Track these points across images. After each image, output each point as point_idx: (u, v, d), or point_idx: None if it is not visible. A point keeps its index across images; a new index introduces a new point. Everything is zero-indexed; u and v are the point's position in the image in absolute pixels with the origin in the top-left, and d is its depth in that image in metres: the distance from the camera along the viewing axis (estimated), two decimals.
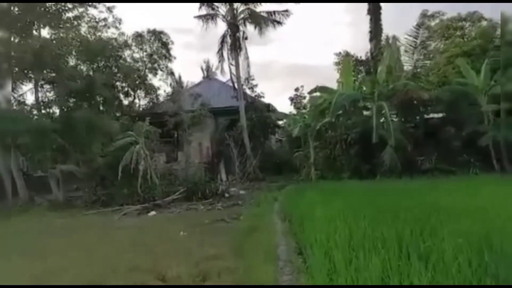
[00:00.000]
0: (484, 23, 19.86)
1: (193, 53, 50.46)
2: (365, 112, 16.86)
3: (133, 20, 46.19)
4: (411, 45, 17.09)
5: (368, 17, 22.79)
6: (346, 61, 18.22)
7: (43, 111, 18.23)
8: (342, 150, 16.20)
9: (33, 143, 16.21)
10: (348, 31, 52.25)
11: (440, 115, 16.24)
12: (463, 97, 14.71)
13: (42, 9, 17.84)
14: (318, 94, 19.37)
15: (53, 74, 18.42)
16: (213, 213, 12.59)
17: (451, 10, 20.93)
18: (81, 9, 22.35)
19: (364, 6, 19.90)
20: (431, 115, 16.40)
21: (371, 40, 23.07)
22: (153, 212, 13.34)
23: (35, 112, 18.40)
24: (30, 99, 18.95)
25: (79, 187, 17.79)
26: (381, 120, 15.38)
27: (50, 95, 18.55)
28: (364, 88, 17.73)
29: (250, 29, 21.15)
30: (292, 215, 8.33)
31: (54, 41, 18.30)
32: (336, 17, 48.11)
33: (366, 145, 15.42)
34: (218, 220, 10.73)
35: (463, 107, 14.62)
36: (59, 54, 18.51)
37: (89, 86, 18.10)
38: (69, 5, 18.45)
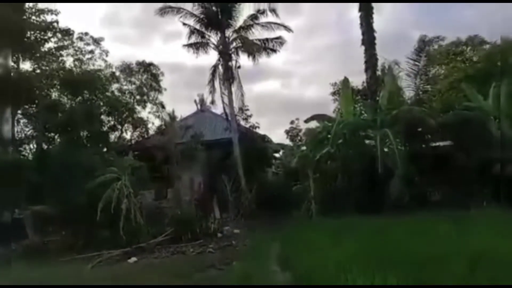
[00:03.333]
0: (486, 46, 19.35)
1: (188, 91, 49.85)
2: (367, 141, 15.69)
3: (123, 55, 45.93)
4: (413, 69, 16.22)
5: (363, 47, 22.46)
6: (346, 86, 17.19)
7: (20, 147, 16.99)
8: (344, 182, 14.88)
9: (4, 182, 14.76)
10: (341, 61, 52.11)
11: (448, 142, 15.12)
12: (472, 122, 13.62)
13: (21, 39, 16.92)
14: (315, 123, 18.34)
15: (32, 108, 17.32)
16: (203, 257, 11.15)
17: (450, 35, 20.54)
18: (66, 42, 21.80)
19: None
20: (438, 143, 15.27)
21: (366, 70, 22.43)
22: (134, 258, 11.77)
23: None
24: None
25: (55, 230, 16.17)
26: (385, 149, 14.19)
27: (27, 129, 17.41)
28: (365, 115, 16.68)
29: (243, 58, 20.37)
30: (295, 262, 6.94)
31: (34, 73, 17.32)
32: (328, 46, 47.90)
33: (370, 176, 14.12)
34: (207, 267, 9.26)
35: (472, 133, 13.49)
36: (39, 86, 17.52)
37: (70, 120, 16.89)
38: (50, 34, 17.51)
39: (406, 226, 9.26)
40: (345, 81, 17.26)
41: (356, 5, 19.95)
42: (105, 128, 22.74)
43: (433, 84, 16.07)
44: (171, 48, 41.93)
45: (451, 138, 14.65)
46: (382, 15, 22.15)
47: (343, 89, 17.65)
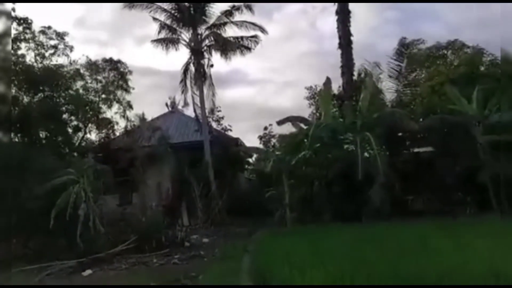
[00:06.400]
0: (467, 50, 19.14)
1: (160, 95, 48.38)
2: (345, 146, 14.97)
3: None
4: (395, 70, 15.70)
5: (339, 51, 21.99)
6: (327, 87, 16.44)
7: None
8: (321, 188, 14.09)
9: None
10: (314, 70, 52.12)
11: (429, 148, 14.61)
12: (456, 127, 13.13)
13: None
14: (288, 128, 17.52)
15: None
16: (167, 269, 10.04)
17: (429, 38, 20.32)
18: (28, 35, 20.20)
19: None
20: (421, 148, 14.73)
21: (342, 74, 21.96)
22: (89, 271, 10.46)
23: None
24: None
25: (4, 238, 14.57)
26: (365, 154, 13.50)
27: None
28: (341, 119, 16.01)
29: (217, 62, 19.46)
30: (270, 278, 5.98)
31: None
32: (300, 54, 47.80)
33: (349, 182, 13.39)
34: (170, 282, 8.16)
35: (456, 138, 12.99)
36: None
37: (24, 118, 15.37)
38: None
39: (389, 236, 8.50)
40: (327, 81, 16.51)
41: (329, 12, 19.42)
42: (68, 128, 21.20)
43: (414, 87, 15.62)
44: (143, 52, 40.83)
45: (434, 143, 14.13)
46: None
47: (323, 89, 16.90)
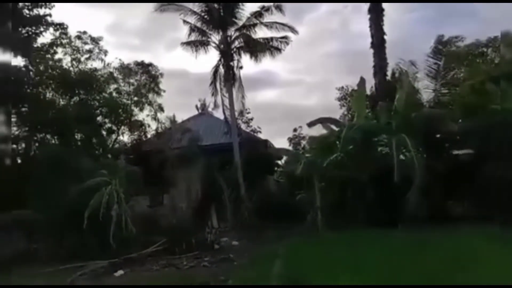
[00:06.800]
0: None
1: (191, 98, 48.83)
2: (379, 148, 14.42)
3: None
4: (433, 68, 15.01)
5: (371, 51, 21.39)
6: (361, 87, 15.92)
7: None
8: (354, 192, 13.61)
9: None
10: (344, 71, 51.17)
11: (470, 151, 13.84)
12: (499, 128, 12.30)
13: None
14: (319, 130, 17.06)
15: (23, 106, 16.21)
16: (197, 272, 9.92)
17: (468, 35, 19.40)
18: (64, 40, 20.81)
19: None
20: (461, 151, 13.97)
21: (375, 74, 21.36)
22: (120, 271, 10.54)
23: None
24: None
25: (42, 237, 14.95)
26: (401, 157, 12.92)
27: (16, 129, 16.26)
28: (374, 120, 15.43)
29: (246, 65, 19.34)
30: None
31: (24, 69, 16.22)
32: (330, 52, 46.96)
33: (384, 186, 12.85)
34: (200, 285, 8.03)
35: (499, 140, 12.18)
36: (30, 84, 16.45)
37: (60, 120, 15.74)
38: (41, 28, 16.44)
39: (435, 244, 7.94)
40: (361, 81, 15.98)
41: (361, 11, 18.94)
42: (102, 130, 21.67)
43: (453, 86, 14.89)
44: (174, 55, 41.30)
45: (476, 145, 13.34)
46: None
47: (357, 90, 16.39)
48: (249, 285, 3.11)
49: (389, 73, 21.46)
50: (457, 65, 15.31)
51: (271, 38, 18.92)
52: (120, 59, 22.43)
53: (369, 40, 21.17)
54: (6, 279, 10.31)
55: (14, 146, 16.21)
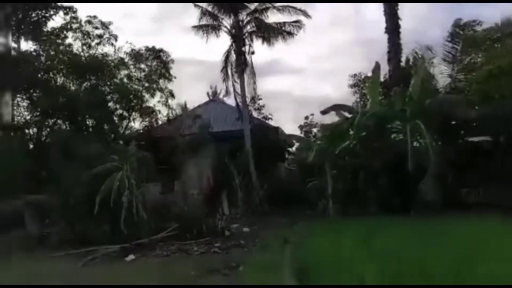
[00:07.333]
0: None
1: (202, 84, 48.59)
2: (393, 135, 14.13)
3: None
4: (450, 53, 14.57)
5: (384, 39, 20.90)
6: (376, 73, 15.53)
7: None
8: (367, 179, 13.39)
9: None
10: (357, 59, 50.27)
11: (487, 137, 13.48)
12: None
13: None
14: (331, 118, 16.78)
15: (35, 92, 16.21)
16: (207, 258, 9.87)
17: (487, 19, 18.73)
18: (74, 25, 20.69)
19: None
20: (477, 138, 13.62)
21: (389, 60, 20.90)
22: (131, 256, 10.53)
23: None
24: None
25: (54, 222, 15.08)
26: (415, 144, 12.64)
27: (28, 114, 16.32)
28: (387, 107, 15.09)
29: (256, 44, 18.96)
30: (315, 273, 5.57)
31: (34, 53, 16.19)
32: (343, 43, 46.07)
33: (397, 173, 12.62)
34: (210, 272, 7.95)
35: None
36: (41, 69, 16.42)
37: (71, 105, 15.71)
38: (51, 12, 16.31)
39: (451, 231, 7.71)
40: (376, 67, 15.60)
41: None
42: (114, 117, 21.65)
43: (470, 72, 14.44)
44: (184, 42, 40.70)
45: (492, 132, 12.98)
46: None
47: (372, 76, 16.03)
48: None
49: (403, 59, 21.02)
50: (474, 49, 14.78)
51: (284, 23, 18.57)
52: (131, 43, 22.15)
53: (383, 26, 20.74)
54: (20, 261, 10.41)
55: (26, 131, 16.30)
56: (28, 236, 13.84)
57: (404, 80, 16.84)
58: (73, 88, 19.84)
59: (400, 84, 16.56)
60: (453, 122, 13.41)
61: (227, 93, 20.97)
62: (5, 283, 7.92)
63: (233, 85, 19.28)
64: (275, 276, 6.43)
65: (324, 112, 16.34)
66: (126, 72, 22.49)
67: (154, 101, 22.71)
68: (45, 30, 17.15)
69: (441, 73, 14.83)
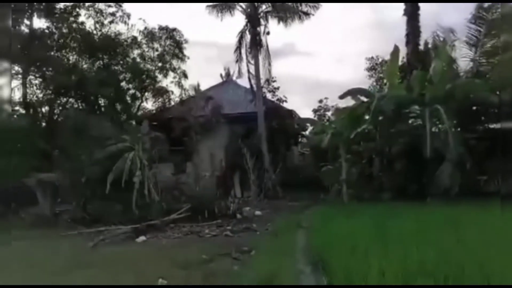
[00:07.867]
0: None
1: (216, 66, 47.77)
2: (410, 120, 13.72)
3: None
4: (473, 35, 13.97)
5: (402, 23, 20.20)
6: (395, 56, 15.03)
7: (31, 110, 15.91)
8: (382, 165, 13.08)
9: (12, 147, 13.72)
10: (373, 42, 49.05)
11: (509, 124, 12.97)
12: None
13: None
14: (346, 103, 16.38)
15: (44, 69, 16.09)
16: (218, 240, 9.78)
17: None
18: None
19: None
20: (498, 124, 13.13)
21: (407, 43, 20.24)
22: (142, 237, 10.47)
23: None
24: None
25: (67, 200, 15.15)
26: (433, 129, 12.23)
27: (40, 92, 16.25)
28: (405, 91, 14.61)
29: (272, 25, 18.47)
30: (328, 260, 5.38)
31: (47, 31, 16.03)
32: (359, 26, 44.76)
33: (414, 159, 12.28)
34: (221, 255, 7.83)
35: None
36: (54, 47, 16.28)
37: (84, 84, 15.59)
38: None
39: (472, 219, 7.41)
40: (395, 49, 15.06)
41: None
42: (126, 96, 21.52)
43: (493, 55, 13.83)
44: (198, 24, 39.97)
45: None
46: None
47: (390, 59, 15.51)
48: (249, 285, 2.82)
49: (421, 43, 20.37)
50: (499, 32, 14.10)
51: (300, 2, 18.02)
52: (144, 20, 21.79)
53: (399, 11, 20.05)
54: (31, 239, 10.47)
55: (38, 109, 16.28)
56: (40, 214, 13.94)
57: (422, 64, 16.30)
58: (85, 66, 19.71)
59: (418, 67, 16.04)
60: (474, 108, 12.93)
61: (239, 74, 20.66)
62: (14, 261, 7.91)
63: (247, 66, 18.91)
64: (287, 261, 6.27)
65: (342, 97, 15.92)
66: (139, 51, 22.26)
67: (167, 82, 22.52)
68: (58, 7, 16.88)
69: (463, 57, 14.23)
